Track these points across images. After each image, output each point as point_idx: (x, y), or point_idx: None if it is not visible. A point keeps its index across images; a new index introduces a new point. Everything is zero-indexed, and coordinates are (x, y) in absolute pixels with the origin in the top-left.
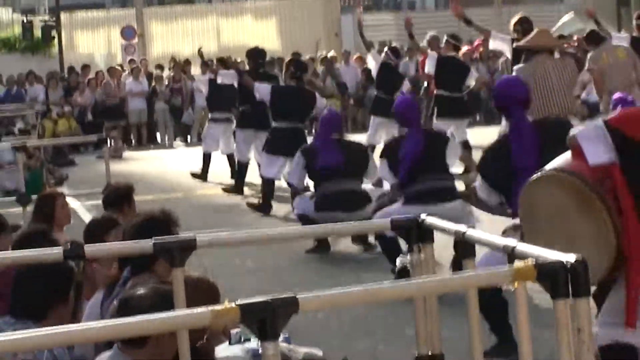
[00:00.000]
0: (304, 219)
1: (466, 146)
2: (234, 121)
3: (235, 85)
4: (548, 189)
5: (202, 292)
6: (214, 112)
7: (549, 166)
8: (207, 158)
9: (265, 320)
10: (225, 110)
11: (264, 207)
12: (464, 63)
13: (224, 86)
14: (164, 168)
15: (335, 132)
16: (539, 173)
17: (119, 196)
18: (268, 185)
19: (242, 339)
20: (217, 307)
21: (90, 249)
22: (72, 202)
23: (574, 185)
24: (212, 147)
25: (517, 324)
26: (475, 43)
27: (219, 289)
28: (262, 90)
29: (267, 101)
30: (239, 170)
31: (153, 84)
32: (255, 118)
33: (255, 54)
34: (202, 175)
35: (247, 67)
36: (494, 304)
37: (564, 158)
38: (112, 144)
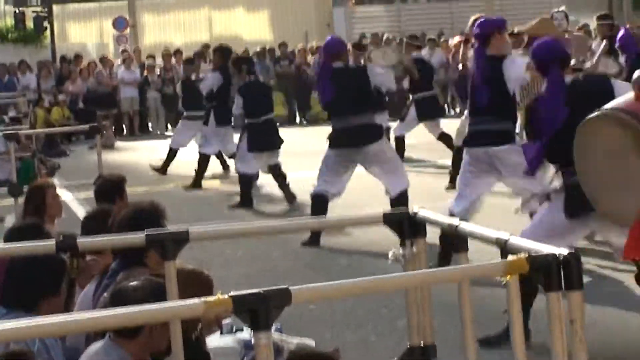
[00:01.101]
0: None
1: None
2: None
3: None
4: (608, 128)
5: (195, 284)
6: (190, 111)
7: (610, 105)
8: (172, 153)
9: (258, 311)
10: (201, 109)
11: (245, 202)
12: (429, 62)
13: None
14: (156, 158)
15: (336, 59)
16: (599, 111)
17: (111, 188)
18: (247, 180)
19: (234, 329)
20: (210, 298)
21: (82, 241)
22: (64, 194)
23: (635, 128)
24: (182, 144)
25: (509, 316)
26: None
27: (212, 281)
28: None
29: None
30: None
31: (145, 73)
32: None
33: (225, 51)
34: (163, 169)
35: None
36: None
37: (626, 98)
38: (104, 133)
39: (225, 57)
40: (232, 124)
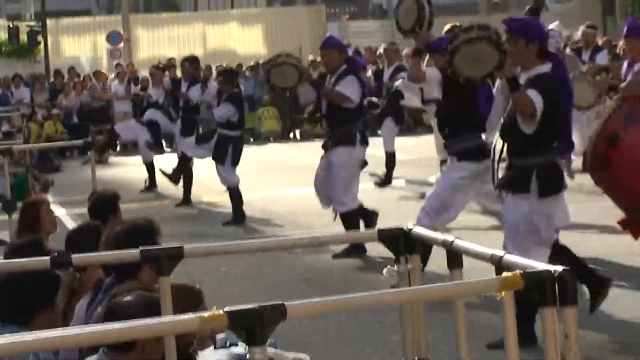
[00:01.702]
0: None
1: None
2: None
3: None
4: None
5: (185, 299)
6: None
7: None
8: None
9: (253, 327)
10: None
11: (239, 218)
12: None
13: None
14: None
15: None
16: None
17: (104, 205)
18: (237, 192)
19: (228, 344)
20: (205, 314)
21: (77, 257)
22: (58, 210)
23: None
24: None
25: (504, 331)
26: None
27: (200, 295)
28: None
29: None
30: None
31: (139, 86)
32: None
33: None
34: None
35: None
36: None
37: None
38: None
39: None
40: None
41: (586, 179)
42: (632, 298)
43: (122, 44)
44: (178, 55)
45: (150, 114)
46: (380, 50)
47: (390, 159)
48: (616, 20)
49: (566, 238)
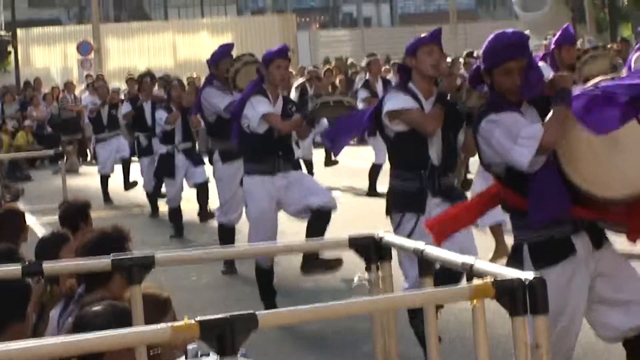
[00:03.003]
0: None
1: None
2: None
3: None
4: None
5: (148, 308)
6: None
7: None
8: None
9: (225, 336)
10: None
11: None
12: None
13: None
14: (120, 183)
15: None
16: None
17: (75, 213)
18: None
19: (199, 354)
20: (177, 323)
21: (48, 265)
22: (28, 218)
23: None
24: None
25: (475, 341)
26: None
27: (167, 303)
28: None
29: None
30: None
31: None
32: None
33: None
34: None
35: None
36: None
37: None
38: (68, 158)
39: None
40: None
41: None
42: None
43: (92, 54)
44: (148, 66)
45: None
46: (352, 60)
47: (378, 171)
48: (586, 28)
49: None
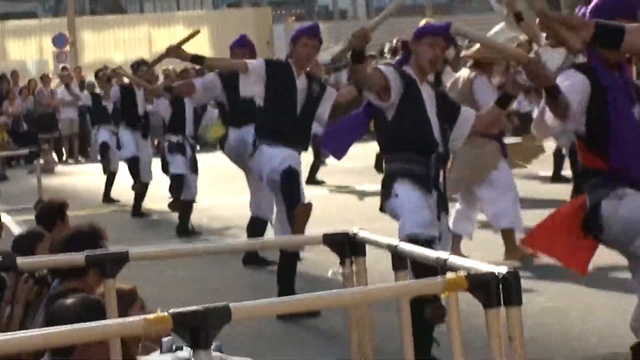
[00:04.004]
0: None
1: None
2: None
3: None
4: None
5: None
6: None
7: None
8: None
9: (198, 329)
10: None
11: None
12: None
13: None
14: (96, 182)
15: None
16: None
17: (52, 212)
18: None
19: (174, 348)
20: (150, 316)
21: (22, 260)
22: (4, 217)
23: None
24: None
25: (449, 333)
26: None
27: (133, 295)
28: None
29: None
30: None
31: (85, 92)
32: None
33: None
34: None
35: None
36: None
37: None
38: (44, 157)
39: None
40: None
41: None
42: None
43: (68, 47)
44: (124, 59)
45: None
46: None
47: None
48: None
49: None
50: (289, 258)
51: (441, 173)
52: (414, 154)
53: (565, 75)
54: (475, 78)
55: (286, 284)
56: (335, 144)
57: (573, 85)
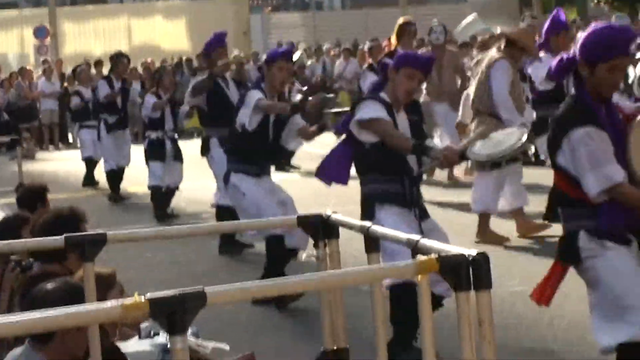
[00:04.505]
0: None
1: None
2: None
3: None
4: None
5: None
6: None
7: None
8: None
9: (174, 314)
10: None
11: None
12: None
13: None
14: (76, 168)
15: None
16: None
17: (33, 195)
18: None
19: (152, 334)
20: (127, 301)
21: (3, 244)
22: None
23: None
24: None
25: (420, 315)
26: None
27: (111, 279)
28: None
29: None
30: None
31: (65, 84)
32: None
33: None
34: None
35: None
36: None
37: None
38: (25, 144)
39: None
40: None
41: None
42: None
43: (48, 39)
44: (104, 51)
45: None
46: (303, 44)
47: None
48: (534, 12)
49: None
50: (278, 246)
51: (417, 192)
52: (385, 175)
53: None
54: (497, 61)
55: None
56: (334, 174)
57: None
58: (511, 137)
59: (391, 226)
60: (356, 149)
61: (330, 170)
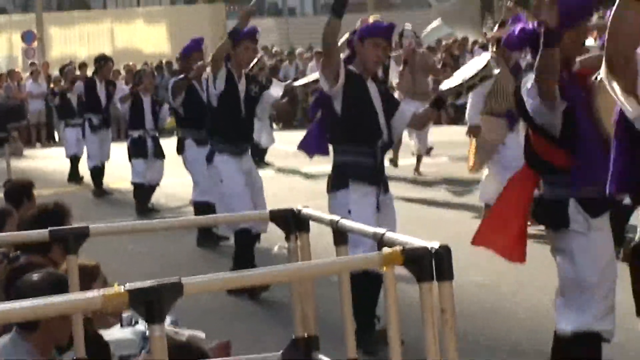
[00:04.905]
0: None
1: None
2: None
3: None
4: None
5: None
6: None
7: None
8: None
9: (152, 303)
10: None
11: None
12: None
13: None
14: (62, 165)
15: None
16: None
17: (19, 190)
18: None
19: (133, 322)
20: (107, 292)
21: None
22: None
23: None
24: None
25: (385, 305)
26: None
27: (95, 271)
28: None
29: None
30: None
31: (52, 85)
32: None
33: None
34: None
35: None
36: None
37: None
38: (13, 142)
39: None
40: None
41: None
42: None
43: (35, 43)
44: (88, 54)
45: None
46: (277, 48)
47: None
48: (494, 17)
49: None
50: (246, 239)
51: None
52: (361, 145)
53: None
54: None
55: (243, 264)
56: (315, 147)
57: None
58: (476, 63)
59: (356, 203)
60: (331, 119)
61: (311, 144)
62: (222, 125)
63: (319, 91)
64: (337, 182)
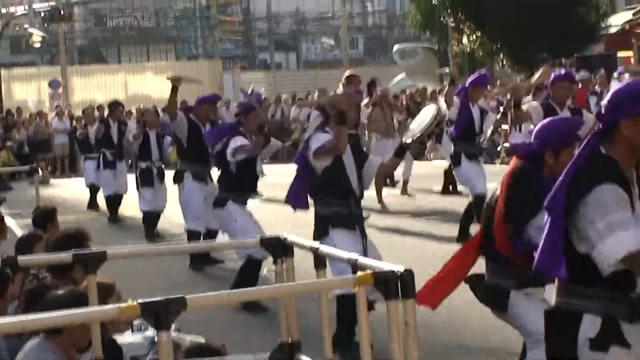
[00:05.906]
0: None
1: None
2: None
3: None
4: None
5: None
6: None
7: None
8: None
9: (160, 315)
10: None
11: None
12: None
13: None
14: (83, 193)
15: None
16: None
17: (45, 216)
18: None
19: (142, 328)
20: (123, 305)
21: (22, 259)
22: (8, 220)
23: None
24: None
25: (358, 321)
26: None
27: (111, 288)
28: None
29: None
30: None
31: (74, 123)
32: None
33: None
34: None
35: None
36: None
37: None
38: (41, 172)
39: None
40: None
41: None
42: None
43: (60, 89)
44: (105, 99)
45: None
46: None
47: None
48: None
49: None
50: (253, 266)
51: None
52: (332, 199)
53: None
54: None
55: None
56: (296, 202)
57: None
58: (428, 112)
59: (341, 244)
60: (310, 176)
61: (294, 199)
62: (239, 181)
63: (301, 151)
64: (320, 232)
